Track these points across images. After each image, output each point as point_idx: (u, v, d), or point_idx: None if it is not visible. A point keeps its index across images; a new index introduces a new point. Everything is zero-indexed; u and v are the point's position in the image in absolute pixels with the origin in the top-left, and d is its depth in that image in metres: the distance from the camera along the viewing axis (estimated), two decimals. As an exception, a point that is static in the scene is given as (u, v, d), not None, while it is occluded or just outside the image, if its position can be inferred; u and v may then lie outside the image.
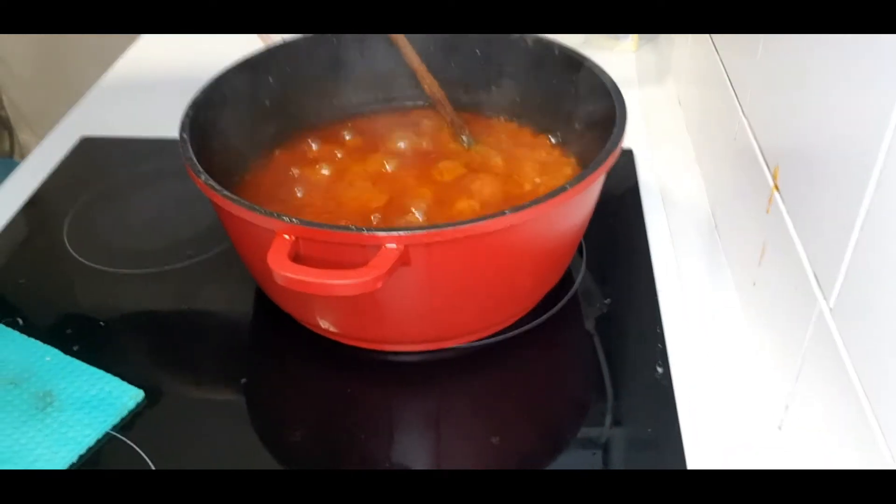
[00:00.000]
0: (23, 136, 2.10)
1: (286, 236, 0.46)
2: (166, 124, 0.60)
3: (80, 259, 0.64)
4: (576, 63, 0.62)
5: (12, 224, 0.68)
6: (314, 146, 0.66)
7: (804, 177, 0.46)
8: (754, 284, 0.54)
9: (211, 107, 0.59)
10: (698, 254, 0.63)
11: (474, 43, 0.68)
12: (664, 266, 0.62)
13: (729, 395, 0.51)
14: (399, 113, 0.70)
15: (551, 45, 0.65)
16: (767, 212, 0.51)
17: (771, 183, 0.51)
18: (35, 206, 0.71)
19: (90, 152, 0.78)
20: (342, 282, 0.44)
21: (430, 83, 0.66)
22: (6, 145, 2.13)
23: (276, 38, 0.65)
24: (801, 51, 0.47)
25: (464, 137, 0.66)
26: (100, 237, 0.67)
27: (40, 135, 2.13)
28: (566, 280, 0.61)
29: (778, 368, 0.49)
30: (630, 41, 0.92)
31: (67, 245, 0.66)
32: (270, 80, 0.64)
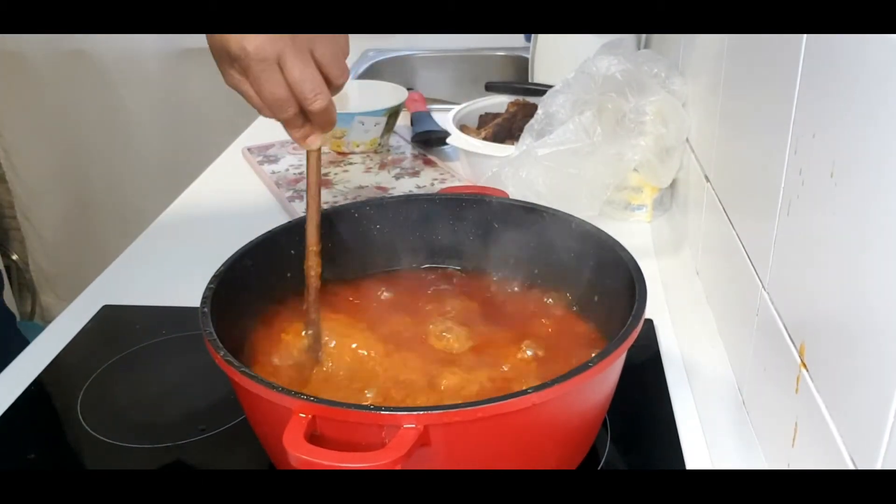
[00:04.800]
0: (45, 298, 2.14)
1: (302, 415, 0.45)
2: (189, 293, 0.60)
3: (92, 433, 0.63)
4: (592, 236, 0.63)
5: (29, 391, 0.68)
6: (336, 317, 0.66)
7: (833, 353, 0.45)
8: (789, 466, 0.52)
9: (233, 280, 0.60)
10: (727, 431, 0.61)
11: (487, 212, 0.70)
12: (692, 442, 0.60)
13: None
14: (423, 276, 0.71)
15: (568, 219, 0.66)
16: (796, 391, 0.49)
17: (798, 360, 0.50)
18: (52, 375, 0.70)
19: (111, 320, 0.78)
20: (359, 465, 0.42)
21: (311, 264, 0.62)
22: (28, 307, 2.16)
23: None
24: (816, 225, 0.47)
25: (309, 332, 0.62)
26: (114, 409, 0.66)
27: (63, 297, 2.17)
28: (592, 457, 0.59)
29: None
30: (644, 212, 0.94)
31: (81, 418, 0.65)
32: (293, 252, 0.66)
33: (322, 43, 0.56)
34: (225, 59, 0.56)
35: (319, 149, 0.62)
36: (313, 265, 0.62)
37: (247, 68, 0.55)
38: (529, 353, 0.60)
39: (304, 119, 0.59)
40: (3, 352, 0.75)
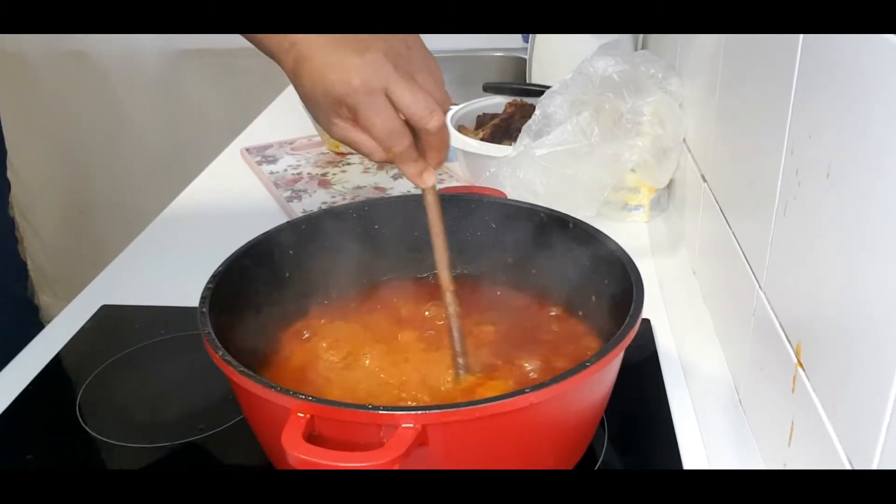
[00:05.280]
0: (44, 298, 2.13)
1: (300, 414, 0.45)
2: (187, 293, 0.60)
3: (90, 433, 0.63)
4: (589, 236, 0.64)
5: (27, 391, 0.68)
6: (333, 318, 0.66)
7: (829, 353, 0.45)
8: (785, 465, 0.52)
9: (231, 280, 0.60)
10: (723, 430, 0.61)
11: (485, 212, 0.70)
12: (689, 442, 0.60)
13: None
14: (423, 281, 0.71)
15: (566, 220, 0.66)
16: (793, 391, 0.50)
17: (794, 360, 0.50)
18: (50, 375, 0.70)
19: (110, 320, 0.78)
20: (357, 465, 0.43)
21: (449, 302, 0.60)
22: (27, 307, 2.16)
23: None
24: (812, 226, 0.47)
25: (460, 371, 0.59)
26: (113, 408, 0.66)
27: (61, 297, 2.17)
28: (589, 456, 0.59)
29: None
30: (641, 212, 0.94)
31: (79, 417, 0.65)
32: (291, 252, 0.66)
33: (420, 70, 0.55)
34: (329, 107, 0.55)
35: (434, 186, 0.59)
36: (452, 303, 0.60)
37: (355, 105, 0.53)
38: (528, 365, 0.60)
39: (417, 154, 0.57)
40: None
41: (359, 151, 0.57)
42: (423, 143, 0.57)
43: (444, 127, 0.56)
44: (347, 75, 0.53)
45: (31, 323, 1.05)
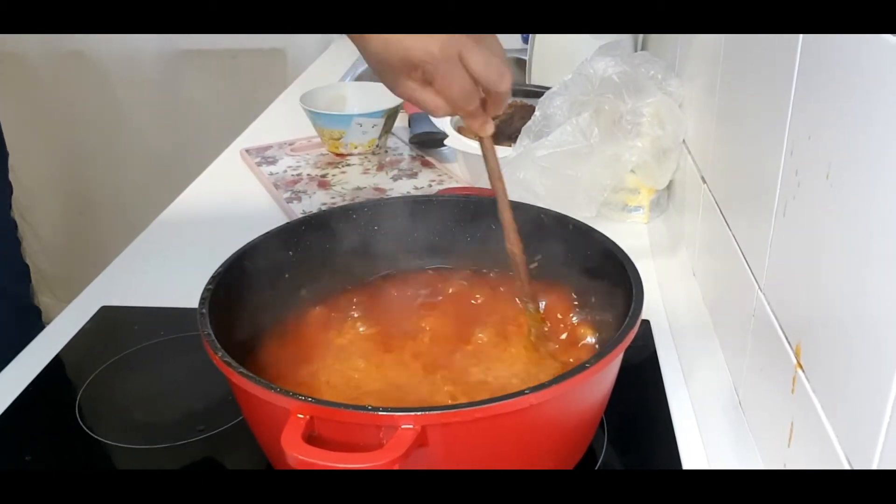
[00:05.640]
0: (43, 299, 2.14)
1: (300, 415, 0.45)
2: (187, 294, 0.60)
3: (90, 434, 0.63)
4: (589, 238, 0.64)
5: (27, 392, 0.68)
6: (333, 317, 0.66)
7: (829, 354, 0.45)
8: (785, 466, 0.52)
9: (231, 281, 0.60)
10: (723, 431, 0.61)
11: (485, 214, 0.70)
12: (689, 442, 0.60)
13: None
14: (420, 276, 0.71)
15: (566, 220, 0.66)
16: (792, 392, 0.50)
17: (794, 361, 0.50)
18: (50, 376, 0.70)
19: (109, 321, 0.78)
20: (356, 466, 0.43)
21: (513, 241, 0.64)
22: (26, 308, 2.16)
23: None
24: (812, 226, 0.47)
25: (530, 306, 0.65)
26: (112, 409, 0.66)
27: (61, 298, 2.17)
28: (589, 457, 0.59)
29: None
30: (641, 213, 0.94)
31: (79, 418, 0.65)
32: (290, 254, 0.66)
33: (487, 41, 0.58)
34: (402, 70, 0.58)
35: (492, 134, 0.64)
36: (516, 242, 0.63)
37: (434, 71, 0.57)
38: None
39: (480, 109, 0.61)
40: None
41: (423, 108, 0.61)
42: (490, 100, 0.61)
43: (509, 90, 0.60)
44: (426, 42, 0.56)
45: (33, 326, 1.05)
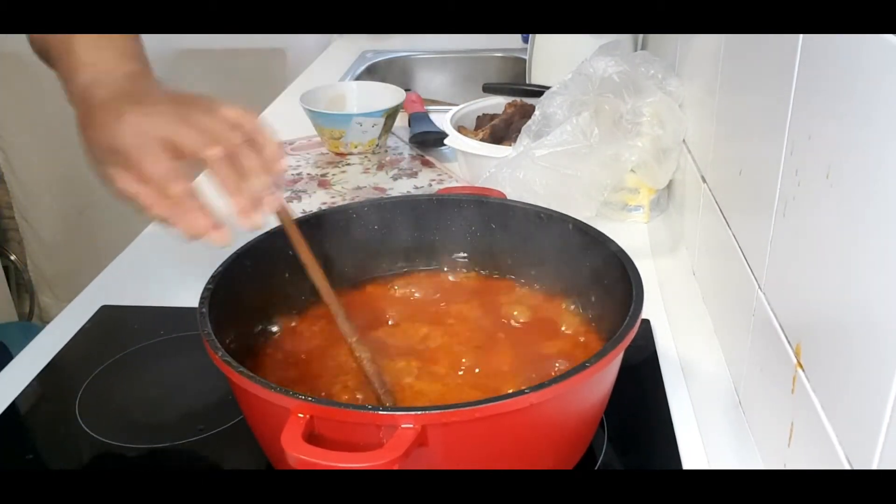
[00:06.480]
0: (43, 298, 2.14)
1: (300, 415, 0.45)
2: (187, 294, 0.60)
3: (90, 433, 0.63)
4: (589, 237, 0.63)
5: (27, 392, 0.68)
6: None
7: (829, 354, 0.45)
8: (785, 466, 0.52)
9: (231, 281, 0.60)
10: (723, 431, 0.61)
11: (485, 213, 0.70)
12: (689, 442, 0.60)
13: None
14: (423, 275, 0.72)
15: (566, 220, 0.66)
16: (792, 392, 0.50)
17: (794, 360, 0.50)
18: (50, 376, 0.70)
19: (109, 321, 0.78)
20: (356, 465, 0.43)
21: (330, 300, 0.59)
22: (26, 307, 2.16)
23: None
24: (812, 226, 0.47)
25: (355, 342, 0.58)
26: (112, 409, 0.66)
27: (61, 298, 2.16)
28: (589, 456, 0.59)
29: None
30: (641, 213, 0.94)
31: (79, 418, 0.65)
32: (290, 254, 0.66)
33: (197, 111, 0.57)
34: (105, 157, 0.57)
35: (284, 209, 0.59)
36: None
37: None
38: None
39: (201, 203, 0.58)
40: None
41: (136, 203, 0.57)
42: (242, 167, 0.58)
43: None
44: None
45: None
